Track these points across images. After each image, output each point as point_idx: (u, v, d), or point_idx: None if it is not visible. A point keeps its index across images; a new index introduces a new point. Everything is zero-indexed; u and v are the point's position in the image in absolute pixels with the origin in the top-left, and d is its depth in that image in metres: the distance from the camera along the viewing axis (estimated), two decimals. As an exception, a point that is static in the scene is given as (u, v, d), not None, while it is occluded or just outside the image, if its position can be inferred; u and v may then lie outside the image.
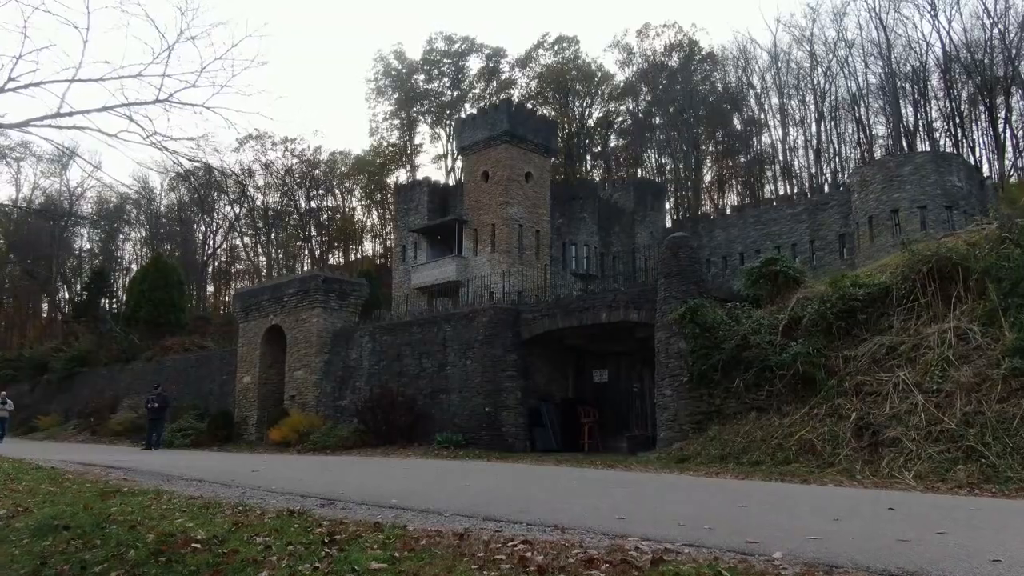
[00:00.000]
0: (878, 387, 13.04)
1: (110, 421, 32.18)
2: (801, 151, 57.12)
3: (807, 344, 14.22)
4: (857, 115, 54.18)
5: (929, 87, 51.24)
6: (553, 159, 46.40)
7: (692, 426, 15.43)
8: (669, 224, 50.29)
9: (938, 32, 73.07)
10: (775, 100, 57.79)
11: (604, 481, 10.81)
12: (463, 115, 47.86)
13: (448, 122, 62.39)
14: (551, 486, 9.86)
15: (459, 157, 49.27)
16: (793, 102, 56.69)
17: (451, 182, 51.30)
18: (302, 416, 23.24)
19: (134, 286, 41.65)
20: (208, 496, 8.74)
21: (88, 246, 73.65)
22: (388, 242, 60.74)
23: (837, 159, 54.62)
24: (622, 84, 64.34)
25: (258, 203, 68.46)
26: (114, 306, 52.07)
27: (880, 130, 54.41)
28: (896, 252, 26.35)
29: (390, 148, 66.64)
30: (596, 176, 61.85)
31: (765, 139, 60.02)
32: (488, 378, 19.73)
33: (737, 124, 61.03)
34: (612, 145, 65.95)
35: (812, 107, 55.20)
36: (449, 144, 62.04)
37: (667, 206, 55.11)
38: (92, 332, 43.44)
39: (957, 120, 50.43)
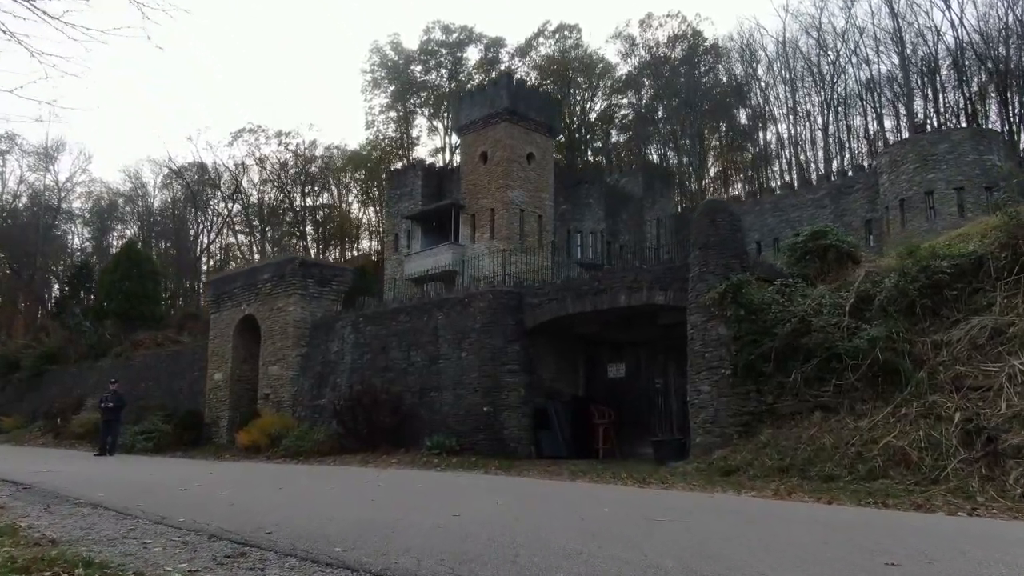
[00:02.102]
0: (985, 380, 10.20)
1: (72, 422, 29.31)
2: (808, 144, 54.51)
3: (885, 326, 11.35)
4: (872, 103, 51.39)
5: (939, 77, 48.56)
6: (556, 141, 43.52)
7: (737, 429, 12.56)
8: (679, 212, 47.40)
9: (950, 20, 70.42)
10: (782, 91, 55.08)
11: (644, 507, 7.95)
12: (461, 92, 44.32)
13: (445, 114, 59.48)
14: (574, 516, 7.01)
15: (457, 150, 46.18)
16: (801, 93, 53.98)
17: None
18: (274, 417, 20.36)
19: (104, 277, 38.56)
20: (69, 538, 5.89)
21: (77, 242, 70.74)
22: (385, 238, 57.77)
23: (847, 151, 52.11)
24: (624, 77, 61.43)
25: (253, 200, 65.53)
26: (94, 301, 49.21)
27: (888, 123, 51.74)
28: (930, 237, 23.54)
29: (386, 141, 63.68)
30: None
31: (771, 132, 57.30)
32: (486, 373, 16.84)
33: (743, 118, 58.34)
34: (614, 140, 63.18)
35: (821, 97, 52.46)
36: (447, 137, 59.12)
37: (676, 194, 52.03)
38: (63, 327, 40.56)
39: (969, 111, 47.71)
